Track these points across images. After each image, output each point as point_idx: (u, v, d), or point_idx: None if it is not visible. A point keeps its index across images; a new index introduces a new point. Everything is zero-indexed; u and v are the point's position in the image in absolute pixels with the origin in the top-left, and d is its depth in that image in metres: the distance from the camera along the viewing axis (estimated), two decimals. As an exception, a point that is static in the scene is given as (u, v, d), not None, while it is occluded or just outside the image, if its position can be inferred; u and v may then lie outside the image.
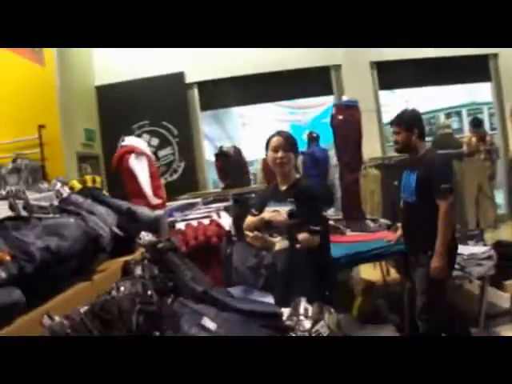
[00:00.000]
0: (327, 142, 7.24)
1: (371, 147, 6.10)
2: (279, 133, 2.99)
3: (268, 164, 6.06)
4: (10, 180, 4.70)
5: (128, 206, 2.21)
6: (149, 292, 1.38)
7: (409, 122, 3.13)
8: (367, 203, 5.63)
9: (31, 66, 4.76)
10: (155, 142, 6.03)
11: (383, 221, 4.57)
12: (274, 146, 2.86)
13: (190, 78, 6.23)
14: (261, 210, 2.87)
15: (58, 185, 1.83)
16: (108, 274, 1.79)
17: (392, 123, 3.19)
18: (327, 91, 6.37)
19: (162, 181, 5.94)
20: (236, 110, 10.48)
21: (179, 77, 6.13)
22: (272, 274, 2.59)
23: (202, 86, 6.32)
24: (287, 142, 2.89)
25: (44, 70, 4.87)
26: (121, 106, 5.89)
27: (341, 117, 5.03)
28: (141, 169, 3.73)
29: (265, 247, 2.70)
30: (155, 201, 3.78)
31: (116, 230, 1.91)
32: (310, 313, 2.00)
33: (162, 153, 6.04)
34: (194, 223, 3.69)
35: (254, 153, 8.05)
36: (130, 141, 3.85)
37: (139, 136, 5.97)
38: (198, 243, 3.40)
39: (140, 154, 3.77)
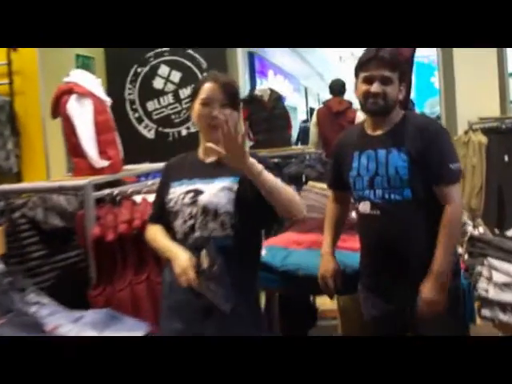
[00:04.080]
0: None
1: (485, 102, 5.28)
2: (214, 77, 2.45)
3: (324, 116, 5.47)
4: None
5: None
6: None
7: (401, 65, 2.49)
8: (462, 185, 4.88)
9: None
10: (177, 76, 5.65)
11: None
12: (206, 98, 2.37)
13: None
14: (162, 196, 2.44)
15: None
16: None
17: (377, 59, 2.42)
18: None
19: (184, 131, 5.63)
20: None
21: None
22: None
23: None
24: (226, 92, 2.38)
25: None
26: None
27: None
28: (81, 116, 3.37)
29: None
30: (100, 163, 3.42)
31: None
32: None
33: (185, 92, 5.69)
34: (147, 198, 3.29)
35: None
36: (74, 76, 3.48)
37: (156, 68, 5.68)
38: (128, 229, 3.01)
39: (83, 94, 3.39)
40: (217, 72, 2.52)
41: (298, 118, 10.63)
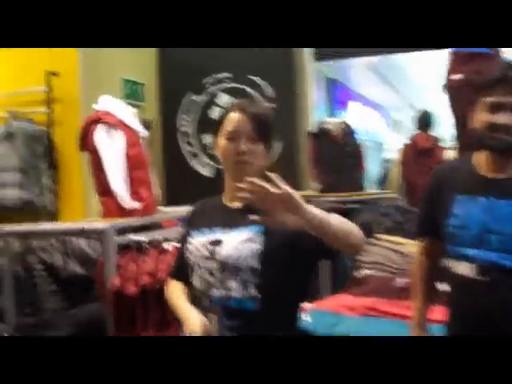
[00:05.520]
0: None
1: None
2: (241, 107, 2.31)
3: (409, 154, 5.39)
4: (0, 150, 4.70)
5: None
6: None
7: None
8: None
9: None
10: (237, 106, 5.58)
11: None
12: (232, 132, 2.23)
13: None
14: (183, 246, 2.34)
15: None
16: None
17: (506, 81, 2.10)
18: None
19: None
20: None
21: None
22: None
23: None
24: (256, 124, 2.23)
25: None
26: (191, 49, 5.51)
27: (457, 77, 3.97)
28: (109, 149, 3.34)
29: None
30: (130, 204, 3.36)
31: None
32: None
33: (246, 124, 5.61)
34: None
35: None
36: (103, 104, 3.47)
37: (213, 95, 5.62)
38: (152, 282, 2.93)
39: (113, 125, 3.37)
40: (246, 100, 2.39)
41: (382, 156, 10.36)
